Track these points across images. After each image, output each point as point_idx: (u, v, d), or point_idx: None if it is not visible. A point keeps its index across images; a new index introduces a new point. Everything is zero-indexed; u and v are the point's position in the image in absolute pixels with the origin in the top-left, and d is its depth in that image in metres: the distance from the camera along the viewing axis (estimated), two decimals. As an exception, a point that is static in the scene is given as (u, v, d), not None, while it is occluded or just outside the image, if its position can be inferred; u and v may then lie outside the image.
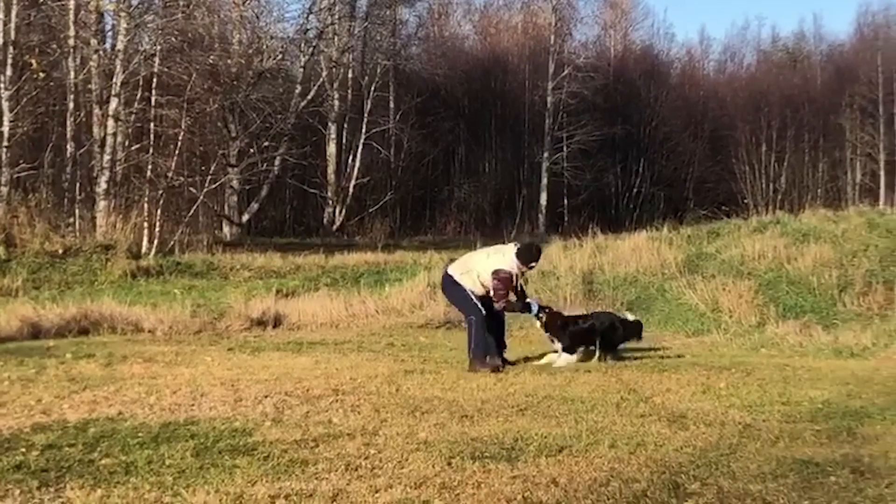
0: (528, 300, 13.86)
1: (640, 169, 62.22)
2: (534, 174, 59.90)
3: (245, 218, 43.18)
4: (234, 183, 41.54)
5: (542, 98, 59.96)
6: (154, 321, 18.01)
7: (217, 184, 35.58)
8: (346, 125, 51.47)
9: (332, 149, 50.21)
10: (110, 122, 29.40)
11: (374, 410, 9.60)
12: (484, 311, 13.04)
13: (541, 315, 13.69)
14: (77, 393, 10.46)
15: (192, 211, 32.81)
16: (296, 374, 12.03)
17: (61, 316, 17.50)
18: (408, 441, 8.26)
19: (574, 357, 13.55)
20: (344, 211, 49.58)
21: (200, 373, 12.15)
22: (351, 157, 50.61)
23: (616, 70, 66.52)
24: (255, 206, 43.93)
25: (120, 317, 17.96)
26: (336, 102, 49.89)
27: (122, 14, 30.09)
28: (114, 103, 29.42)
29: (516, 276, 13.21)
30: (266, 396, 10.30)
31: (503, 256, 13.18)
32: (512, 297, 13.28)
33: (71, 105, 29.20)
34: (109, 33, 32.83)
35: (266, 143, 42.43)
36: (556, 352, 13.64)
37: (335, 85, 49.58)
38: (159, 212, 29.29)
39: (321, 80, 47.48)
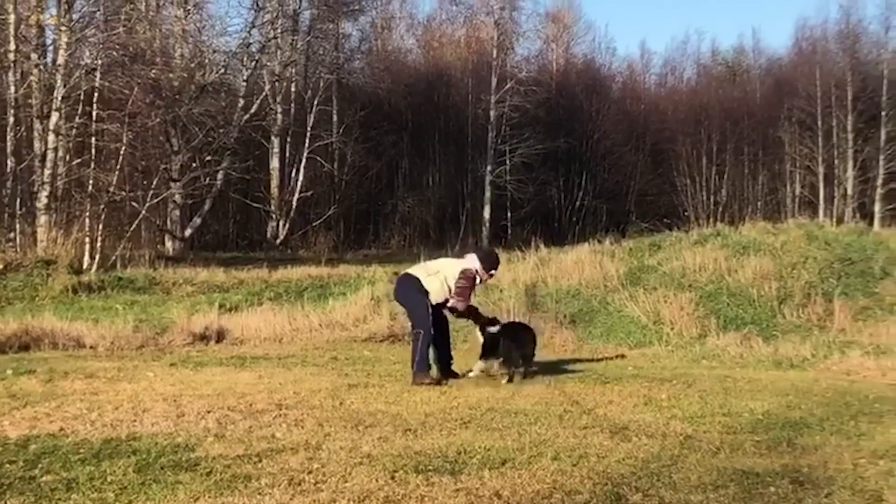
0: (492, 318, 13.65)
1: (583, 182, 62.57)
2: (477, 187, 60.09)
3: (188, 232, 42.95)
4: (177, 197, 41.33)
5: (485, 112, 60.15)
6: (96, 337, 17.87)
7: (159, 198, 35.43)
8: (289, 139, 51.45)
9: (275, 163, 50.16)
10: (51, 137, 29.21)
11: (318, 425, 9.59)
12: (431, 325, 13.03)
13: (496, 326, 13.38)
14: (18, 409, 10.37)
15: (133, 226, 32.61)
16: (239, 389, 11.99)
17: (1, 332, 17.33)
18: (351, 455, 8.26)
19: (484, 365, 13.31)
20: (287, 225, 49.52)
21: (142, 388, 12.08)
22: (294, 171, 50.59)
23: (558, 84, 66.89)
24: (197, 220, 43.71)
25: (61, 333, 17.81)
26: (279, 116, 49.87)
27: (63, 28, 29.91)
28: (54, 118, 29.23)
29: (480, 281, 13.24)
30: (209, 412, 10.25)
31: (467, 262, 13.20)
32: (473, 300, 13.22)
33: (11, 120, 28.98)
34: (50, 48, 32.69)
35: (208, 158, 42.26)
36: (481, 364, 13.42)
37: (278, 99, 49.55)
38: (101, 227, 29.13)
39: (264, 93, 47.35)
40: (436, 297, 13.04)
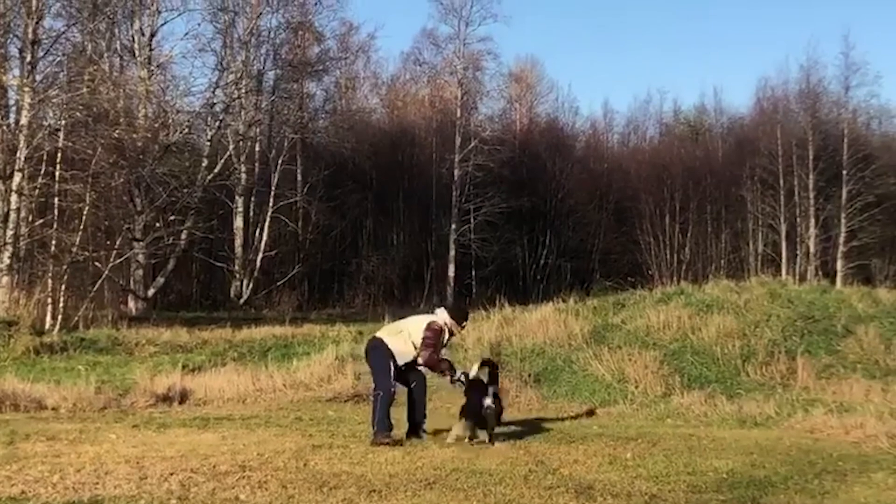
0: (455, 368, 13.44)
1: (547, 240, 62.68)
2: (441, 246, 60.10)
3: (151, 292, 42.80)
4: (140, 257, 41.19)
5: (450, 171, 60.34)
6: (58, 398, 17.72)
7: (122, 258, 35.26)
8: (253, 198, 51.45)
9: (239, 222, 50.13)
10: (14, 197, 29.09)
11: (282, 486, 9.54)
12: (394, 389, 13.02)
13: (462, 380, 13.18)
14: (-22, 473, 10.29)
15: (96, 286, 32.33)
16: (202, 451, 11.92)
17: (-38, 394, 17.18)
18: (316, 517, 8.23)
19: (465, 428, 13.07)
20: (251, 284, 49.42)
21: (105, 450, 11.99)
22: (258, 230, 50.55)
23: (522, 143, 67.11)
24: (161, 280, 43.59)
25: (22, 394, 17.64)
26: (243, 176, 49.89)
27: (27, 89, 29.87)
28: (17, 178, 29.11)
29: (447, 333, 13.31)
30: (172, 474, 10.19)
31: (434, 315, 13.37)
32: (444, 353, 13.30)
33: (-27, 180, 28.87)
34: (13, 108, 32.55)
35: (172, 217, 42.12)
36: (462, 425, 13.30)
37: (242, 158, 49.56)
38: (63, 287, 28.96)
39: (228, 153, 47.33)
40: (402, 357, 13.14)
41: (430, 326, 13.10)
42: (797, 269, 55.38)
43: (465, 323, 13.59)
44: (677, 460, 11.43)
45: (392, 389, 13.02)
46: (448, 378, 13.37)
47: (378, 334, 13.68)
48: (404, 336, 13.23)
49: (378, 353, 13.35)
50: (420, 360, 13.23)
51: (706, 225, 64.04)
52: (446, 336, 13.38)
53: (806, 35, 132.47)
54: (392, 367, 13.07)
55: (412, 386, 13.44)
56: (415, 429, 13.37)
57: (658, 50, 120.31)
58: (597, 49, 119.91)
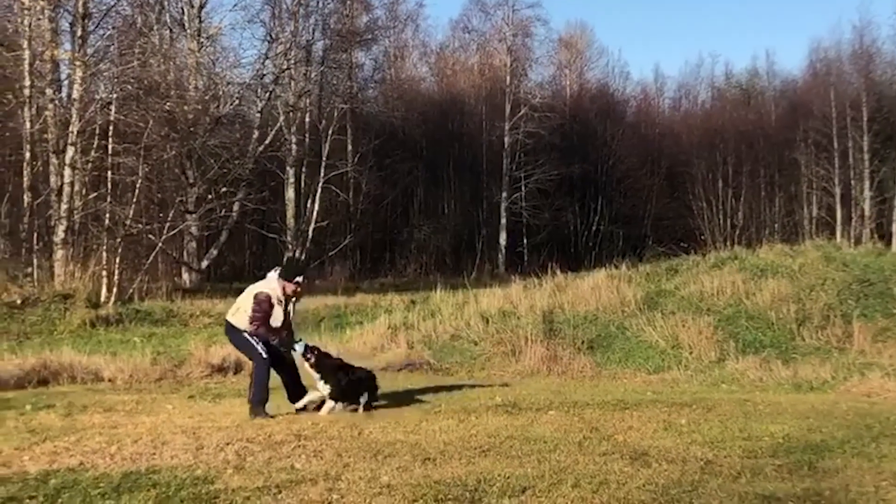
0: (297, 339, 13.37)
1: (599, 207, 62.48)
2: (493, 214, 60.02)
3: (204, 264, 42.93)
4: (193, 229, 41.28)
5: (500, 138, 60.15)
6: (114, 370, 17.85)
7: (175, 230, 35.39)
8: (304, 169, 51.39)
9: (290, 193, 50.12)
10: (67, 171, 29.25)
11: (337, 455, 9.56)
12: (267, 356, 12.78)
13: (308, 356, 13.10)
14: (37, 444, 10.37)
15: (150, 258, 32.55)
16: (257, 421, 11.97)
17: (20, 367, 17.29)
18: (370, 485, 8.23)
19: (340, 406, 13.07)
20: (303, 255, 49.49)
21: (161, 421, 12.07)
22: (309, 201, 50.54)
23: (572, 109, 66.81)
24: (214, 252, 43.69)
25: (79, 366, 17.78)
26: (294, 147, 49.83)
27: (78, 63, 29.98)
28: (70, 152, 29.27)
29: (281, 299, 12.97)
30: (228, 443, 10.23)
31: (264, 281, 13.09)
32: (276, 322, 12.91)
33: (27, 155, 29.02)
34: (65, 82, 32.70)
35: (224, 189, 42.15)
36: (319, 392, 13.18)
37: (292, 129, 49.51)
38: (118, 260, 29.16)
39: (278, 124, 47.34)
40: (248, 328, 12.92)
41: (256, 298, 12.80)
42: (852, 231, 54.84)
43: (298, 279, 13.07)
44: (732, 425, 11.38)
45: (265, 357, 12.77)
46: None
47: (227, 315, 13.42)
48: (241, 313, 12.95)
49: (231, 332, 13.18)
50: (249, 329, 12.89)
51: (759, 189, 63.65)
52: (278, 301, 12.95)
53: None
54: (251, 337, 12.87)
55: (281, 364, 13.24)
56: (294, 398, 13.34)
57: (709, 13, 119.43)
58: (647, 13, 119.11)
